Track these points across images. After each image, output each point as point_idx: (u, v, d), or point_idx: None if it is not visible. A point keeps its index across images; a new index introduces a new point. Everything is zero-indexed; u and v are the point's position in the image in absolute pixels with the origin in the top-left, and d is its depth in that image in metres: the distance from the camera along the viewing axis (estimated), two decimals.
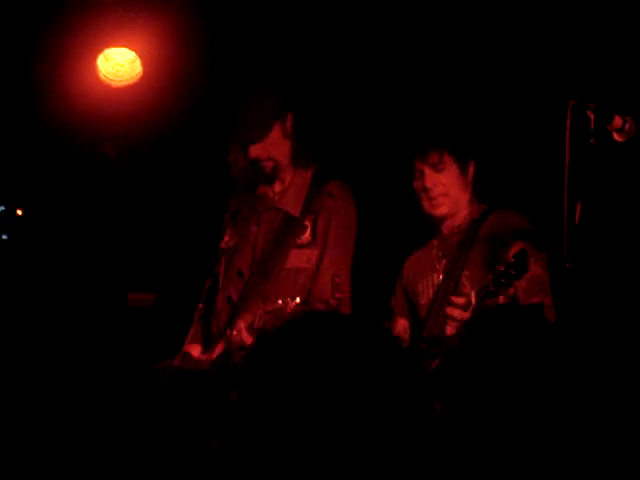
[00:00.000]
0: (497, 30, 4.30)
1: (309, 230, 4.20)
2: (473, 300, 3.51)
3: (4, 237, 5.13)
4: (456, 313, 3.54)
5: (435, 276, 3.93)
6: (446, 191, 3.84)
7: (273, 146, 4.19)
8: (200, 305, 4.45)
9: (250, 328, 3.98)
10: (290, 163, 4.28)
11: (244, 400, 1.84)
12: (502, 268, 3.42)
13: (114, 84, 4.78)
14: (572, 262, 3.06)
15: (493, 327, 2.36)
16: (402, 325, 4.08)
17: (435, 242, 4.00)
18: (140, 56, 4.73)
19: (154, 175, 5.25)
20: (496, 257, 3.70)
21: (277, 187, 4.33)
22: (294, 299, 3.87)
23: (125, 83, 4.78)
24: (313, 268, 4.16)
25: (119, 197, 4.46)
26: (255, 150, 4.18)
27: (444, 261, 3.92)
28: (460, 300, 3.55)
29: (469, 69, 4.47)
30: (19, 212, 5.16)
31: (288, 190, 4.30)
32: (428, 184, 3.81)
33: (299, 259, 4.19)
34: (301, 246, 4.20)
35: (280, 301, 3.87)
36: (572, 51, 4.05)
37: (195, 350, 4.31)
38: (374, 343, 1.81)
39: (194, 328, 4.41)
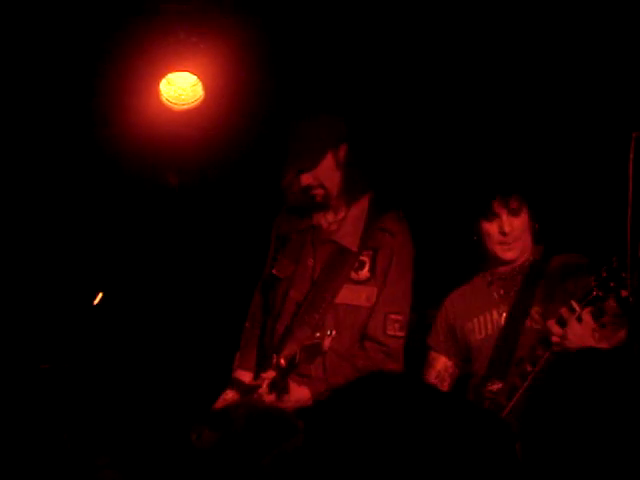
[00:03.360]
0: (560, 63, 4.27)
1: (367, 267, 4.18)
2: (577, 308, 3.49)
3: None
4: (555, 329, 3.52)
5: (495, 313, 3.92)
6: (520, 236, 3.88)
7: (324, 175, 4.17)
8: (247, 325, 4.44)
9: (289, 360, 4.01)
10: (342, 192, 4.24)
11: (308, 447, 1.84)
12: (604, 274, 3.42)
13: (176, 108, 4.83)
14: (636, 297, 3.03)
15: (578, 369, 2.34)
16: (443, 363, 4.06)
17: (490, 280, 4.00)
18: (202, 80, 4.77)
19: (214, 198, 5.28)
20: (567, 292, 3.72)
21: (330, 217, 4.30)
22: (331, 333, 3.90)
23: (187, 107, 4.83)
24: (372, 307, 4.15)
25: (178, 221, 4.49)
26: (306, 178, 4.16)
27: (508, 299, 3.92)
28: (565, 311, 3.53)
29: (536, 104, 4.45)
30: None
31: (344, 222, 4.26)
32: (507, 229, 3.85)
33: (356, 296, 4.17)
34: (358, 282, 4.17)
35: (318, 334, 3.91)
36: (635, 81, 4.01)
37: (245, 376, 4.30)
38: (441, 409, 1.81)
39: (241, 352, 4.40)
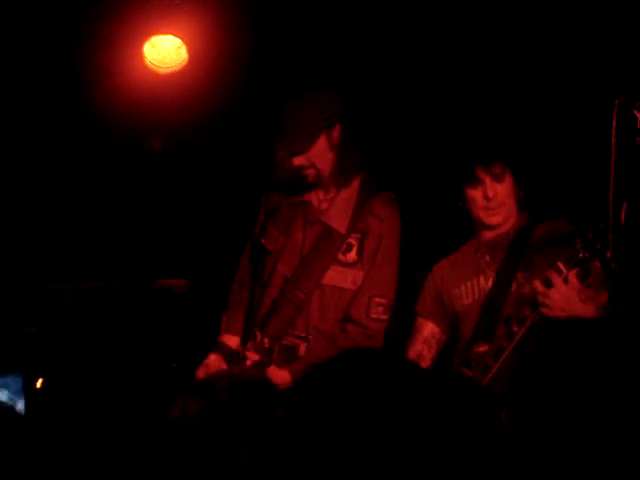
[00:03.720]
0: (543, 29, 4.27)
1: (355, 249, 4.17)
2: (563, 269, 3.50)
3: None
4: (541, 289, 3.52)
5: (482, 279, 3.94)
6: (504, 201, 3.89)
7: (317, 156, 4.13)
8: (234, 286, 4.44)
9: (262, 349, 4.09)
10: (335, 173, 4.20)
11: (288, 423, 1.85)
12: (590, 235, 3.43)
13: (160, 71, 4.82)
14: (618, 262, 3.07)
15: (564, 336, 2.37)
16: (431, 329, 4.07)
17: (477, 247, 4.01)
18: (186, 43, 4.76)
19: (195, 163, 5.27)
20: (553, 257, 3.72)
21: (321, 195, 4.27)
22: (306, 340, 4.03)
23: (171, 70, 4.82)
24: (357, 290, 4.15)
25: (159, 185, 4.49)
26: (298, 159, 4.12)
27: (494, 265, 3.93)
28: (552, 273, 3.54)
29: (517, 71, 4.45)
30: None
31: (334, 203, 4.24)
32: (490, 194, 3.86)
33: (342, 278, 4.17)
34: (345, 264, 4.17)
35: (297, 334, 4.05)
36: (619, 49, 4.02)
37: (232, 341, 4.32)
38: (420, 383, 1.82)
39: (227, 314, 4.40)
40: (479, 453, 1.80)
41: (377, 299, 4.13)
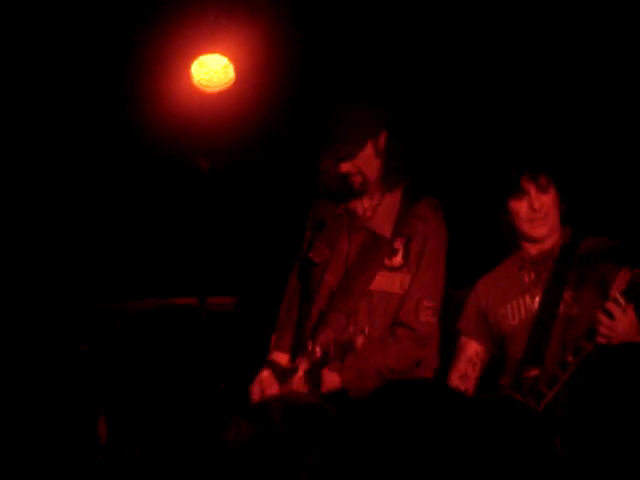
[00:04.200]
0: (591, 44, 4.24)
1: (401, 254, 4.17)
2: (622, 301, 3.48)
3: None
4: (605, 320, 3.51)
5: (527, 298, 3.90)
6: (549, 212, 3.84)
7: (364, 163, 4.14)
8: (283, 306, 4.46)
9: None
10: (380, 180, 4.23)
11: (333, 453, 1.84)
12: None
13: (207, 90, 4.85)
14: None
15: (621, 363, 2.33)
16: (474, 348, 4.02)
17: (521, 264, 3.96)
18: (233, 62, 4.78)
19: (243, 181, 5.29)
20: (603, 277, 3.73)
21: (366, 203, 4.28)
22: (364, 332, 3.96)
23: (218, 89, 4.84)
24: (405, 294, 4.14)
25: (207, 203, 4.51)
26: (345, 166, 4.13)
27: (540, 283, 3.89)
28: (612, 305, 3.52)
29: (564, 82, 4.43)
30: None
31: (378, 210, 4.25)
32: (536, 205, 3.81)
33: (390, 283, 4.16)
34: (391, 269, 4.17)
35: (352, 329, 4.02)
36: None
37: (282, 358, 4.33)
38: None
39: (277, 334, 4.42)
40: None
41: (425, 302, 4.12)
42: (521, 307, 3.89)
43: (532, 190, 3.81)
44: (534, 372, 3.70)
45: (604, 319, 3.49)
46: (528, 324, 3.85)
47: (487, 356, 4.02)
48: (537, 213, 3.81)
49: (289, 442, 2.80)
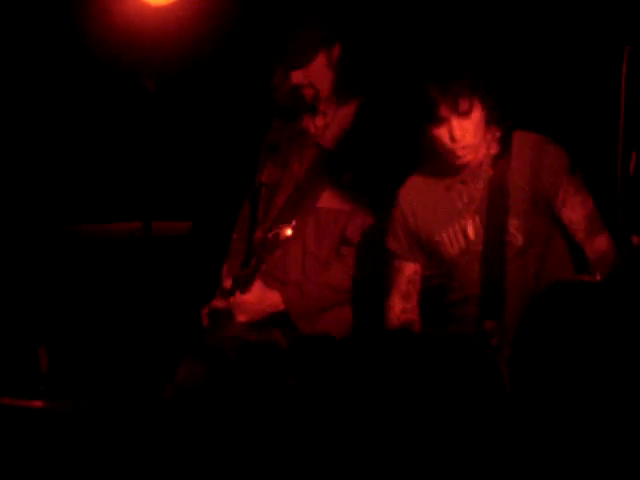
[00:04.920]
0: None
1: (351, 171, 4.09)
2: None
3: None
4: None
5: (463, 223, 3.66)
6: (472, 138, 3.53)
7: (316, 74, 4.06)
8: (234, 236, 4.43)
9: None
10: (332, 94, 4.15)
11: (297, 393, 1.86)
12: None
13: (153, 3, 4.69)
14: (624, 214, 2.98)
15: (570, 300, 2.31)
16: (412, 268, 3.82)
17: (449, 183, 3.70)
18: None
19: (193, 98, 5.18)
20: (541, 199, 3.57)
21: (319, 121, 4.22)
22: (290, 225, 3.97)
23: (165, 2, 4.69)
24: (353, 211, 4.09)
25: (156, 125, 4.40)
26: (297, 76, 4.06)
27: (473, 207, 3.65)
28: None
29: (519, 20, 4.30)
30: None
31: (330, 126, 4.19)
32: (457, 134, 3.48)
33: (339, 200, 4.11)
34: (341, 186, 4.11)
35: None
36: None
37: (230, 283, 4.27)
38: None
39: (228, 262, 4.39)
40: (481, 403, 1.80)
41: (372, 220, 4.06)
42: (458, 235, 3.67)
43: (453, 118, 3.48)
44: (490, 324, 3.57)
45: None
46: (469, 251, 3.65)
47: (422, 271, 3.84)
48: (459, 142, 3.51)
49: (243, 381, 2.78)
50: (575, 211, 3.57)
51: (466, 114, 3.47)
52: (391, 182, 3.93)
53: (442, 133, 3.50)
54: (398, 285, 3.84)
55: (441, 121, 3.47)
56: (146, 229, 4.03)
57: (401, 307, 3.81)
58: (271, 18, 4.22)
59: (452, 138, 3.49)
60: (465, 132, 3.49)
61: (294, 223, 3.99)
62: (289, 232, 4.00)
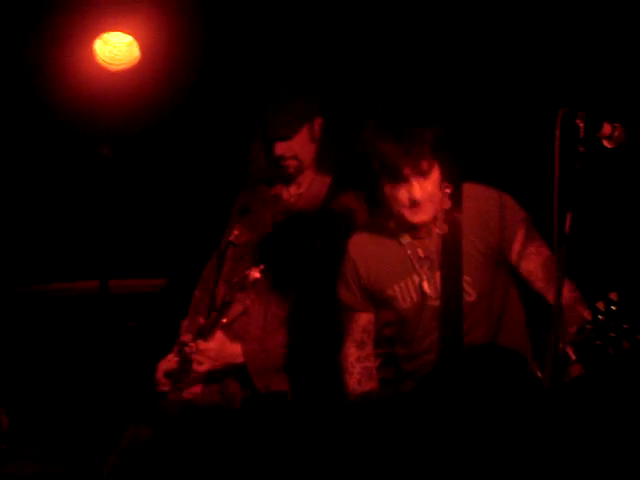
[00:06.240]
0: (489, 38, 4.25)
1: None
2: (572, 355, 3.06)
3: None
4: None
5: (416, 278, 3.69)
6: (432, 199, 3.55)
7: (299, 147, 4.17)
8: (196, 293, 4.48)
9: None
10: (312, 167, 4.27)
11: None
12: (601, 317, 2.97)
13: (112, 68, 4.78)
14: (561, 272, 3.05)
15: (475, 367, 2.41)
16: (366, 318, 3.86)
17: (405, 239, 3.72)
18: (137, 40, 4.72)
19: (153, 163, 5.25)
20: (492, 252, 3.62)
21: (293, 190, 4.32)
22: (259, 265, 3.99)
23: (123, 67, 4.78)
24: None
25: (112, 187, 4.47)
26: (281, 148, 4.15)
27: (429, 262, 3.69)
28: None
29: (460, 75, 4.43)
30: None
31: (305, 194, 4.29)
32: (417, 195, 3.49)
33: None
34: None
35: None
36: (560, 59, 4.00)
37: (189, 338, 4.30)
38: None
39: (189, 318, 4.42)
40: None
41: None
42: (410, 289, 3.70)
43: (414, 179, 3.49)
44: None
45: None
46: (424, 307, 3.68)
47: (380, 320, 3.87)
48: (418, 204, 3.52)
49: (186, 440, 2.81)
50: (532, 260, 3.60)
51: (426, 174, 3.48)
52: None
53: (402, 193, 3.51)
54: (352, 334, 3.87)
55: (402, 181, 3.48)
56: (103, 287, 4.05)
57: (356, 355, 3.85)
58: (222, 83, 4.28)
59: (412, 200, 3.50)
60: (425, 192, 3.50)
61: (262, 267, 4.02)
62: (257, 274, 4.03)
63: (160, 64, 4.78)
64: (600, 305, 3.00)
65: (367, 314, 3.87)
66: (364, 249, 3.82)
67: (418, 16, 4.56)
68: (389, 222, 3.73)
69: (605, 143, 3.15)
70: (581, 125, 3.09)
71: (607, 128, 3.14)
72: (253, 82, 4.68)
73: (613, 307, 2.97)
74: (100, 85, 4.75)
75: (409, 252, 3.70)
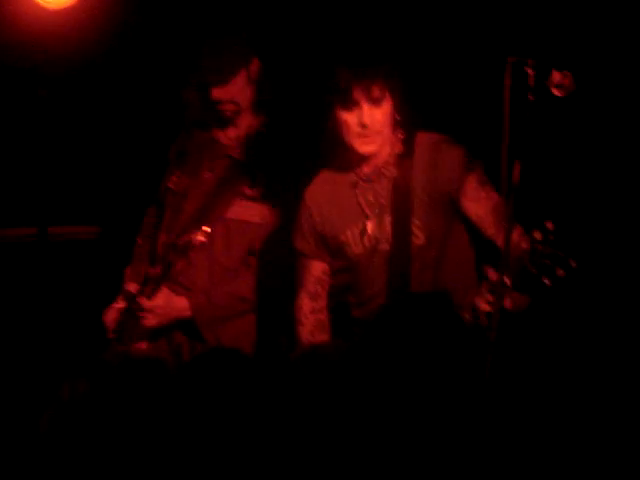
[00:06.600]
0: None
1: (263, 183, 4.15)
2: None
3: None
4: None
5: (368, 223, 3.72)
6: (381, 129, 3.61)
7: (237, 90, 4.12)
8: (139, 240, 4.46)
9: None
10: (249, 109, 4.21)
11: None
12: (539, 246, 3.04)
13: (49, 7, 4.66)
14: (509, 223, 3.05)
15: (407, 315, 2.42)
16: (320, 267, 3.88)
17: (354, 180, 3.75)
18: None
19: (91, 106, 5.16)
20: (441, 196, 3.64)
21: (231, 132, 4.27)
22: (202, 231, 4.01)
23: (61, 6, 4.66)
24: (263, 224, 4.14)
25: (49, 129, 4.38)
26: (217, 92, 4.10)
27: (378, 206, 3.72)
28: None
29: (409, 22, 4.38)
30: None
31: (242, 138, 4.25)
32: (366, 120, 3.55)
33: (248, 212, 4.16)
34: (251, 198, 4.16)
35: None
36: (509, 7, 3.98)
37: (133, 287, 4.31)
38: None
39: (131, 267, 4.41)
40: None
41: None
42: (363, 234, 3.72)
43: (364, 103, 3.55)
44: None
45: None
46: (375, 251, 3.71)
47: (329, 269, 3.90)
48: (367, 130, 3.58)
49: (128, 394, 2.79)
50: (482, 205, 3.62)
51: (377, 101, 3.53)
52: (299, 192, 3.97)
53: (352, 118, 3.56)
54: (306, 285, 3.88)
55: (353, 105, 3.54)
56: (41, 234, 4.00)
57: (310, 307, 3.86)
58: (165, 21, 4.21)
59: (362, 123, 3.55)
60: (374, 120, 3.55)
61: (206, 230, 4.03)
62: (202, 238, 4.04)
63: (98, 3, 4.67)
64: (537, 234, 3.05)
65: (321, 263, 3.88)
66: (319, 197, 3.84)
67: None
68: (342, 168, 3.77)
69: (554, 91, 3.13)
70: (531, 73, 3.07)
71: (557, 76, 3.11)
72: (189, 24, 4.57)
73: (550, 236, 3.03)
74: (38, 25, 4.63)
75: (360, 197, 3.73)
